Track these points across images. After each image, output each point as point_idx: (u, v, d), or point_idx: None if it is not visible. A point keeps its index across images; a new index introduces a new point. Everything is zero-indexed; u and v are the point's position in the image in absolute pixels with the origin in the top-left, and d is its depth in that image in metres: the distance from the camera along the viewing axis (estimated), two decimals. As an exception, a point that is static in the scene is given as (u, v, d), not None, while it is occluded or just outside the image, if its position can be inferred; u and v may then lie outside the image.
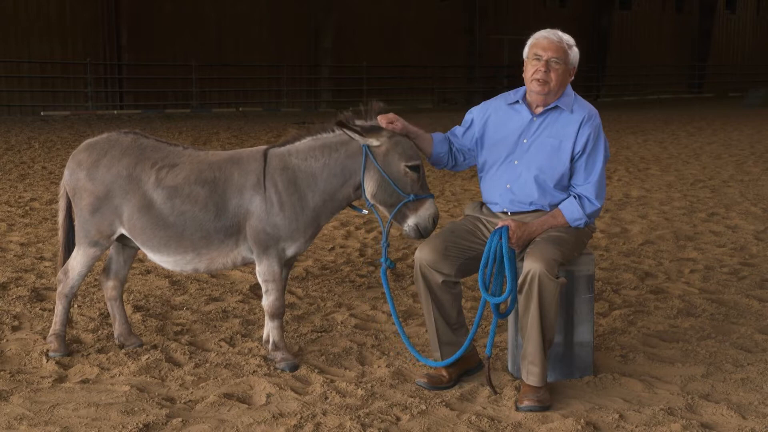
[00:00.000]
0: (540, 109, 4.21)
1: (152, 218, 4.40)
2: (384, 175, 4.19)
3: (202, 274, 6.29)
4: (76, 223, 4.63)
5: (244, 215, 4.34)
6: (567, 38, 4.15)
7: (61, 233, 4.83)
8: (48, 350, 4.60)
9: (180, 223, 4.37)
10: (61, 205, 4.77)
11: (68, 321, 4.92)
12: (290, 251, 4.41)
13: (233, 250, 4.43)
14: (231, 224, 4.36)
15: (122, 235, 4.57)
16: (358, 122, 4.23)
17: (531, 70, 4.13)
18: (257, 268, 4.43)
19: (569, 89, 4.22)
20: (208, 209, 4.35)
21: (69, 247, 4.78)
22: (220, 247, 4.41)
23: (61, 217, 4.80)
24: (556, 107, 4.18)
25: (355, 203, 4.51)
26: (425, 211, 4.21)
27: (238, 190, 4.34)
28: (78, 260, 4.61)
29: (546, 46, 4.10)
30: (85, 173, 4.51)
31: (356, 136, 4.21)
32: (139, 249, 4.71)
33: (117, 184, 4.44)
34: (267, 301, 4.46)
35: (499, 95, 4.41)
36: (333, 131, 4.34)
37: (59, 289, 4.65)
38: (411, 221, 4.22)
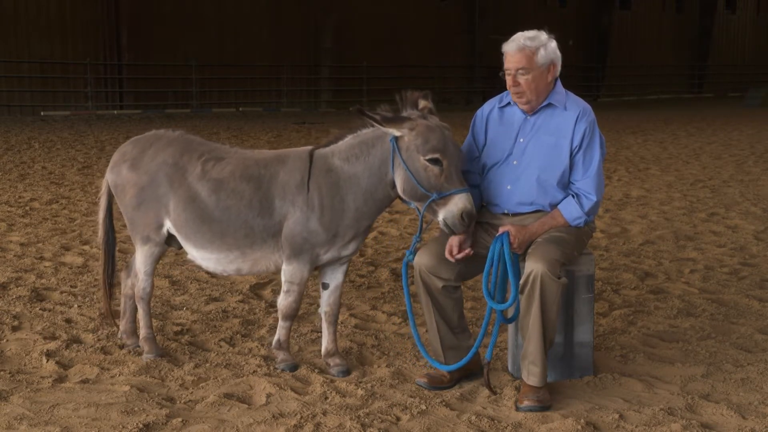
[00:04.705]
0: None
1: (196, 211, 4.35)
2: (406, 170, 4.04)
3: (202, 274, 6.29)
4: (127, 223, 4.63)
5: (285, 215, 4.26)
6: (532, 41, 4.05)
7: (101, 232, 4.83)
8: (143, 353, 4.58)
9: (225, 218, 4.31)
10: (102, 203, 4.78)
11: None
12: (326, 256, 4.32)
13: (275, 252, 4.34)
14: (274, 223, 4.28)
15: None
16: (381, 112, 4.09)
17: (507, 83, 4.14)
18: (284, 267, 4.34)
19: (559, 86, 4.19)
20: (252, 206, 4.28)
21: (109, 246, 4.80)
22: (263, 247, 4.33)
23: (101, 216, 4.81)
24: (549, 105, 4.17)
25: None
26: (453, 206, 3.97)
27: (282, 188, 4.27)
28: (139, 260, 4.60)
29: (510, 59, 4.08)
30: (129, 165, 4.52)
31: (375, 125, 4.10)
32: (167, 250, 4.71)
33: (162, 172, 4.42)
34: (284, 302, 4.39)
35: (491, 99, 4.38)
36: (372, 126, 4.18)
37: (135, 293, 4.64)
38: (440, 216, 4.03)
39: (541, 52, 4.06)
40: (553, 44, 4.11)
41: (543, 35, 4.10)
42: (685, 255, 7.18)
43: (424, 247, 4.27)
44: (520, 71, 4.06)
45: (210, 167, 4.38)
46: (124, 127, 19.67)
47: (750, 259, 7.01)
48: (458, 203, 3.97)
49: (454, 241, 4.10)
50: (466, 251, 4.09)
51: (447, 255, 4.10)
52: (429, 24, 31.69)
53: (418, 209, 4.14)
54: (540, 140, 4.15)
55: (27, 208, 9.12)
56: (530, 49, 4.05)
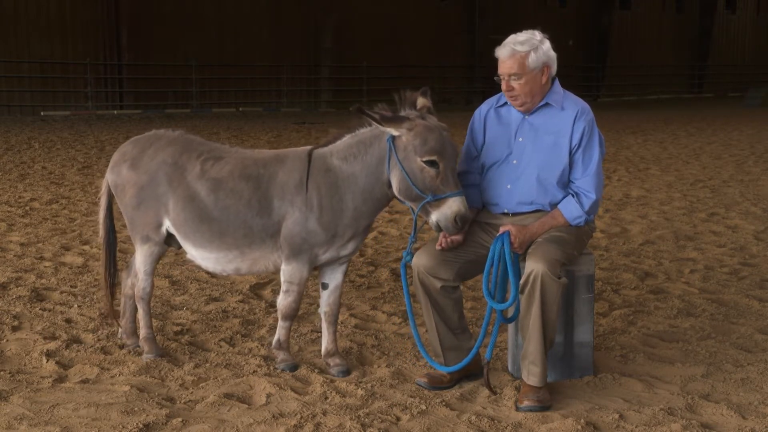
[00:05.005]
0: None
1: (195, 210, 4.35)
2: (402, 171, 4.03)
3: (202, 274, 6.30)
4: (126, 223, 4.63)
5: (284, 215, 4.26)
6: (522, 45, 4.03)
7: (101, 232, 4.84)
8: (143, 353, 4.59)
9: (223, 217, 4.32)
10: (103, 203, 4.79)
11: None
12: (325, 256, 4.32)
13: (274, 252, 4.34)
14: (272, 223, 4.28)
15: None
16: (380, 111, 4.09)
17: (502, 87, 4.14)
18: (283, 267, 4.35)
19: (557, 86, 4.18)
20: (251, 205, 4.28)
21: (110, 246, 4.80)
22: (262, 247, 4.33)
23: (102, 216, 4.82)
24: (546, 104, 4.16)
25: None
26: (447, 209, 3.96)
27: (281, 188, 4.27)
28: (139, 260, 4.60)
29: (502, 65, 4.08)
30: (129, 164, 4.53)
31: (374, 123, 4.09)
32: (167, 250, 4.70)
33: (162, 171, 4.43)
34: (284, 302, 4.39)
35: (489, 98, 4.37)
36: (369, 125, 4.18)
37: (135, 293, 4.65)
38: (433, 217, 4.02)
39: (532, 55, 4.03)
40: (546, 45, 4.08)
41: (535, 37, 4.07)
42: (685, 255, 7.18)
43: (423, 247, 4.27)
44: (513, 76, 4.06)
45: (209, 166, 4.38)
46: (124, 127, 19.67)
47: (750, 259, 7.01)
48: (452, 206, 3.97)
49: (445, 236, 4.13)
50: (454, 240, 4.13)
51: (437, 245, 4.14)
52: (429, 24, 31.68)
53: (412, 209, 4.13)
54: (539, 139, 4.15)
55: (27, 208, 9.12)
56: (521, 54, 4.03)
